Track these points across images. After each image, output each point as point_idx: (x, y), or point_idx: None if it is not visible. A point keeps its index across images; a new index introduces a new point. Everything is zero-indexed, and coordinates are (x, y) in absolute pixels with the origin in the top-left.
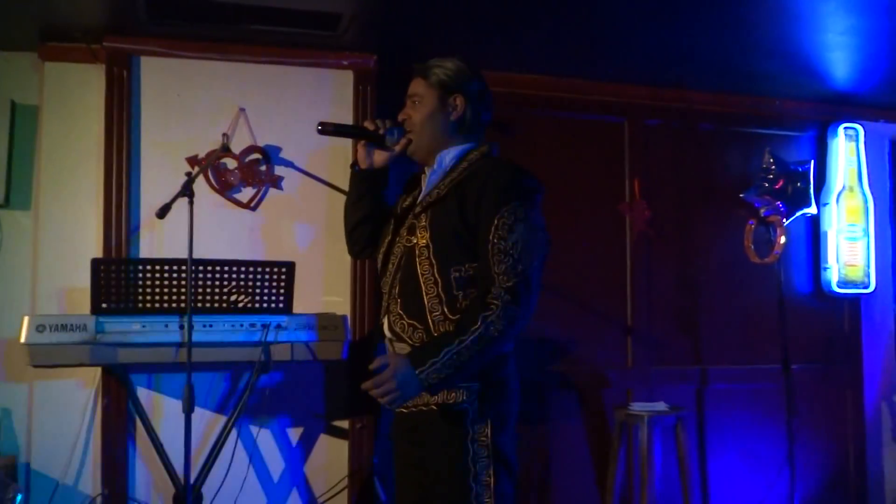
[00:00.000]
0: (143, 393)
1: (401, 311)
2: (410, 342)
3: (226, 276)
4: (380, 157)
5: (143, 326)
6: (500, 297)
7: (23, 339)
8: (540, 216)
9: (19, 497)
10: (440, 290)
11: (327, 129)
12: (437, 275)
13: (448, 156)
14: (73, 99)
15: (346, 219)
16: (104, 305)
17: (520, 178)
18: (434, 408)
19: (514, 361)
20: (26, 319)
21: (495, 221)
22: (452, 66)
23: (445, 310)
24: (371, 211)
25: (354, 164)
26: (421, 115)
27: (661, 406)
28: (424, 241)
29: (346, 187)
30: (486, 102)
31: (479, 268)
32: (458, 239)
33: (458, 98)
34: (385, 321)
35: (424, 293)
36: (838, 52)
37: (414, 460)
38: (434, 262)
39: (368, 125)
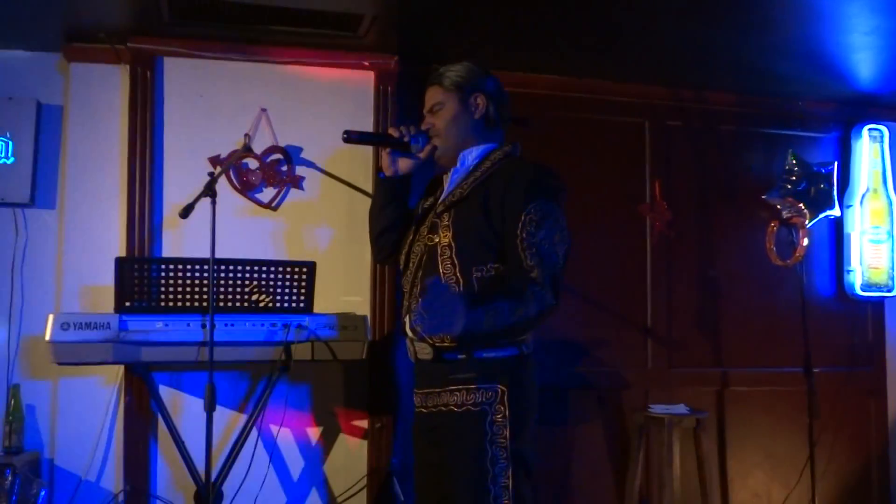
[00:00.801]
0: (164, 391)
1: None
2: (431, 341)
3: (247, 275)
4: (404, 164)
5: (166, 325)
6: (538, 282)
7: (47, 337)
8: (563, 214)
9: (43, 492)
10: (461, 289)
11: (352, 137)
12: (458, 274)
13: (470, 155)
14: (98, 99)
15: (372, 226)
16: (127, 304)
17: (544, 177)
18: (455, 409)
19: (534, 364)
20: (51, 317)
21: (522, 217)
22: (463, 69)
23: None
24: (397, 218)
25: (380, 172)
26: (444, 119)
27: (680, 408)
28: (447, 241)
29: (366, 188)
30: (505, 98)
31: (508, 263)
32: (480, 238)
33: (478, 97)
34: (406, 320)
35: None
36: (863, 53)
37: (433, 460)
38: (456, 261)
39: (393, 132)
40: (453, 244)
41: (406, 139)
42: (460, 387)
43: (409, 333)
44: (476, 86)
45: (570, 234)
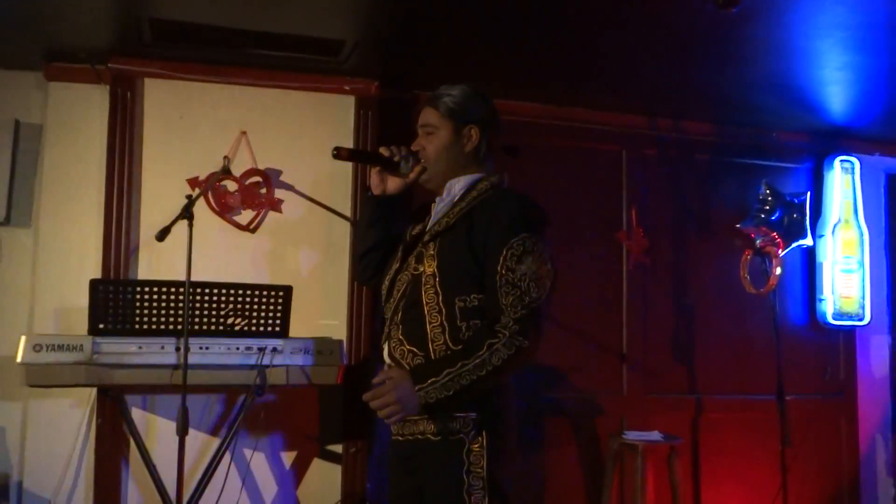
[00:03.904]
0: (137, 414)
1: (401, 337)
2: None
3: (223, 298)
4: (393, 184)
5: (140, 348)
6: (507, 326)
7: (19, 359)
8: (547, 248)
9: None
10: (444, 319)
11: (342, 154)
12: (441, 304)
13: (457, 185)
14: (77, 119)
15: (357, 245)
16: (101, 326)
17: (528, 210)
18: (431, 437)
19: (513, 391)
20: (23, 339)
21: (504, 252)
22: (461, 95)
23: (447, 339)
24: (382, 238)
25: (368, 190)
26: (435, 146)
27: (655, 435)
28: (431, 270)
29: (345, 212)
30: (498, 127)
31: (486, 298)
32: (465, 269)
33: (472, 129)
34: (385, 346)
35: (427, 322)
36: (835, 87)
37: (409, 489)
38: (439, 290)
39: (384, 151)
40: (437, 274)
41: (396, 158)
42: (438, 414)
43: (388, 360)
44: (471, 116)
45: (554, 266)
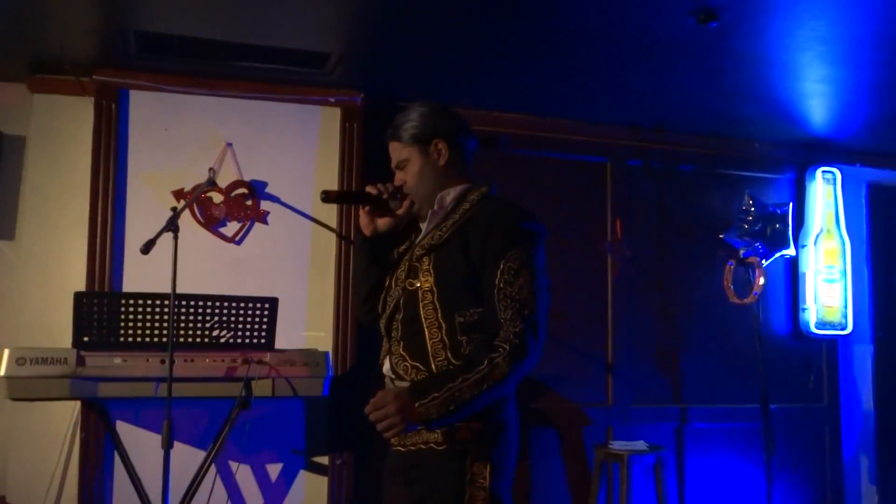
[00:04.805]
0: (122, 426)
1: (403, 353)
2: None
3: (208, 311)
4: (384, 222)
5: (124, 361)
6: (507, 340)
7: (2, 372)
8: (543, 259)
9: None
10: (444, 334)
11: (331, 197)
12: (441, 319)
13: (448, 196)
14: (61, 130)
15: (359, 288)
16: (86, 339)
17: (524, 222)
18: (434, 447)
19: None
20: (6, 352)
21: (501, 266)
22: (417, 117)
23: (449, 354)
24: (381, 277)
25: (359, 234)
26: (412, 175)
27: (640, 445)
28: (428, 285)
29: (330, 223)
30: (465, 132)
31: (484, 312)
32: (462, 283)
33: (438, 143)
34: (386, 362)
35: (428, 338)
36: (816, 99)
37: (407, 500)
38: (438, 306)
39: (371, 190)
40: (435, 289)
41: (385, 196)
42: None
43: (390, 374)
44: (434, 132)
45: (548, 278)
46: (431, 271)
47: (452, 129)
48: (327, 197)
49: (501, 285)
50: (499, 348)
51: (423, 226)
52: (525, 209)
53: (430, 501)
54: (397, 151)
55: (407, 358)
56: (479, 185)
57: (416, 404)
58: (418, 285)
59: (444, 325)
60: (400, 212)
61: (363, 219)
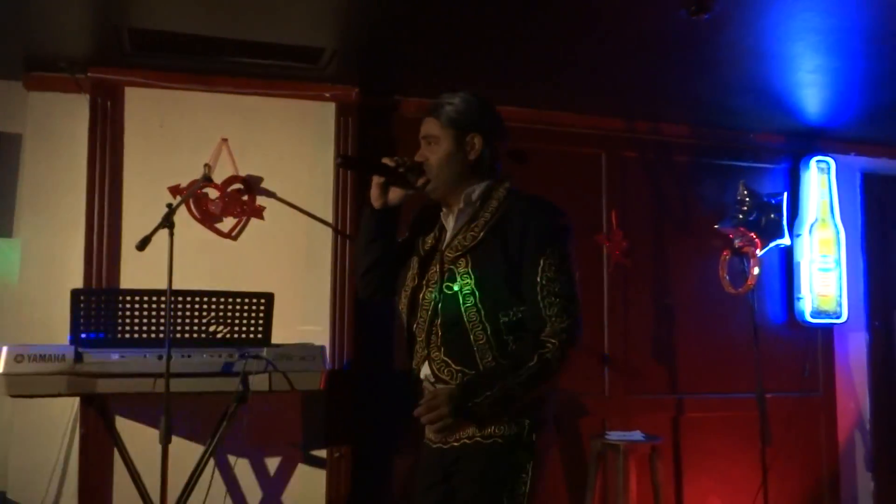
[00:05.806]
0: (121, 422)
1: (446, 359)
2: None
3: (205, 306)
4: (395, 195)
5: (122, 357)
6: (556, 335)
7: (0, 370)
8: (574, 251)
9: None
10: (489, 335)
11: (349, 162)
12: (485, 321)
13: (473, 194)
14: (57, 128)
15: (358, 262)
16: (83, 336)
17: (558, 218)
18: (480, 440)
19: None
20: (4, 349)
21: (541, 263)
22: (462, 104)
23: (496, 355)
24: (384, 252)
25: (367, 205)
26: (438, 157)
27: (637, 435)
28: (469, 288)
29: (327, 218)
30: (502, 134)
31: (527, 310)
32: (504, 283)
33: (475, 137)
34: (425, 367)
35: (473, 340)
36: (809, 89)
37: (448, 493)
38: (481, 308)
39: (388, 162)
40: (476, 291)
41: (402, 169)
42: (488, 420)
43: (431, 378)
44: (473, 124)
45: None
46: (471, 273)
47: (493, 129)
48: (345, 161)
49: (544, 282)
50: (547, 344)
51: (448, 223)
52: (555, 205)
53: (470, 493)
54: (431, 127)
55: (451, 363)
56: (501, 180)
57: (470, 403)
58: (457, 289)
59: (488, 326)
60: (415, 186)
61: (374, 190)
